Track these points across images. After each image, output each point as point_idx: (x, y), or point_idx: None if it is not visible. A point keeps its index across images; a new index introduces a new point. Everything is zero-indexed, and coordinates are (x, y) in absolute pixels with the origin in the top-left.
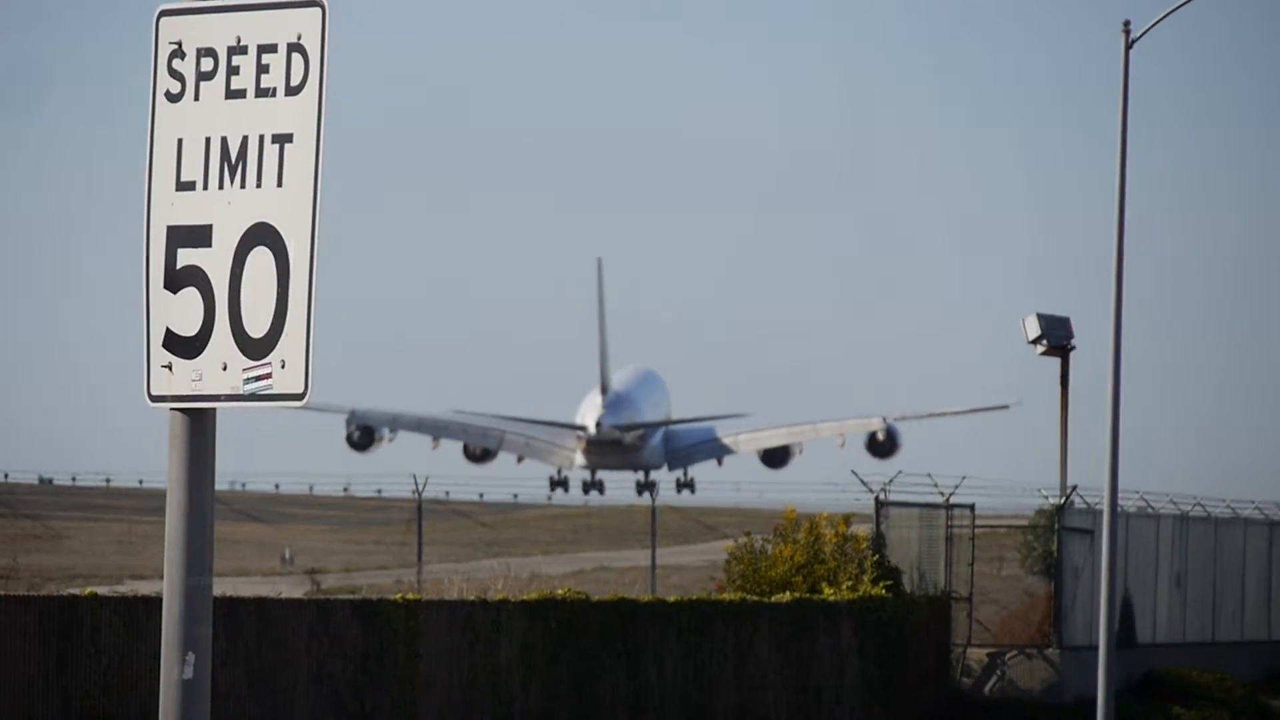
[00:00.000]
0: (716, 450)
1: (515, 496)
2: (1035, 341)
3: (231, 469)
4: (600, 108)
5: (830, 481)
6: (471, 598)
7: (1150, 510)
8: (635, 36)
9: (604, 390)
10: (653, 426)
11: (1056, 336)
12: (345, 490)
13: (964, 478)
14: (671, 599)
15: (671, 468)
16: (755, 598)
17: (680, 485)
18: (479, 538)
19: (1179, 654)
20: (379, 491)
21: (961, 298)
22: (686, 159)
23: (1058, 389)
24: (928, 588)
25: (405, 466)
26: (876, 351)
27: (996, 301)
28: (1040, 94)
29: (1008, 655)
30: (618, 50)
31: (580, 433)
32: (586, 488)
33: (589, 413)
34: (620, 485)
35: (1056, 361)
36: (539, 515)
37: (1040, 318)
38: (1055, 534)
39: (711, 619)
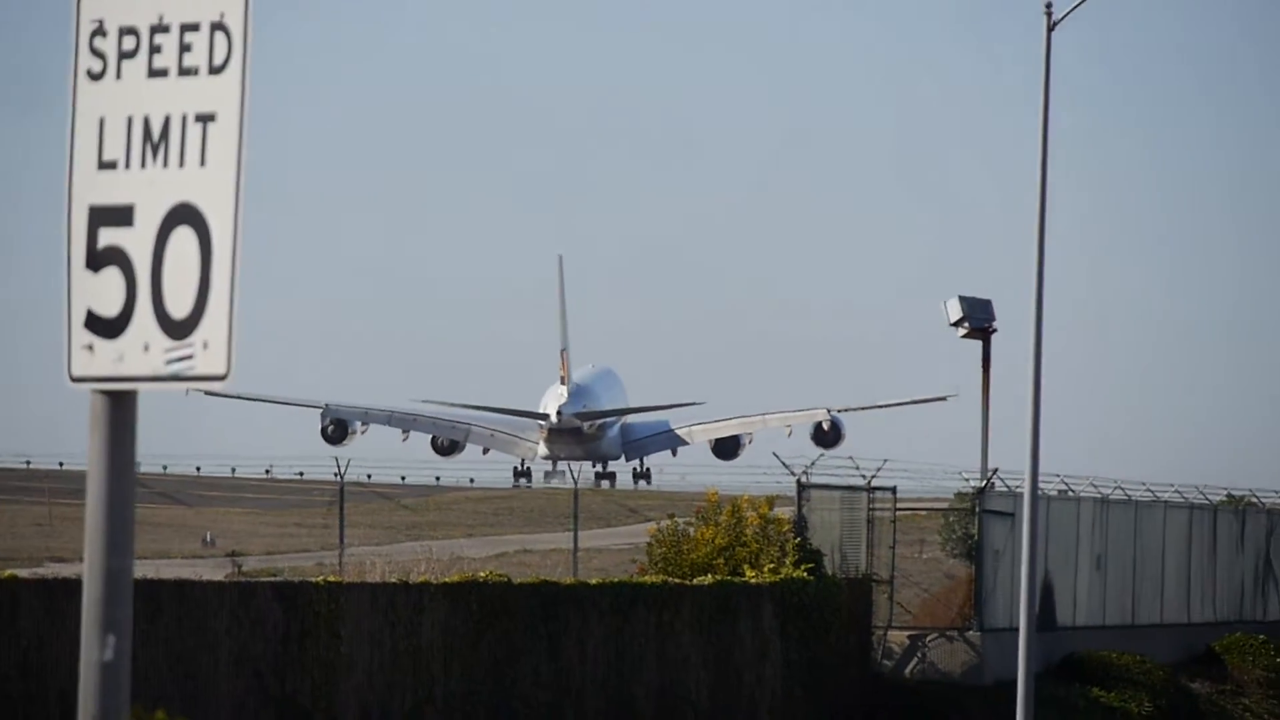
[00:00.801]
0: (671, 441)
1: (437, 479)
2: (957, 324)
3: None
4: (556, 101)
5: (753, 465)
6: (393, 580)
7: (1071, 493)
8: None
9: (565, 381)
10: (611, 415)
11: (978, 319)
12: (267, 473)
13: (885, 461)
14: (593, 581)
15: (629, 458)
16: (677, 580)
17: (637, 475)
18: (401, 520)
19: (1099, 636)
20: (300, 474)
21: (904, 282)
22: (641, 152)
23: (979, 372)
24: (849, 570)
25: (377, 458)
26: (821, 340)
27: (932, 286)
28: (967, 77)
29: (929, 637)
30: (574, 42)
31: (543, 422)
32: (549, 478)
33: (551, 402)
34: (580, 476)
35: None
36: (460, 498)
37: (962, 300)
38: (976, 517)
39: (633, 601)
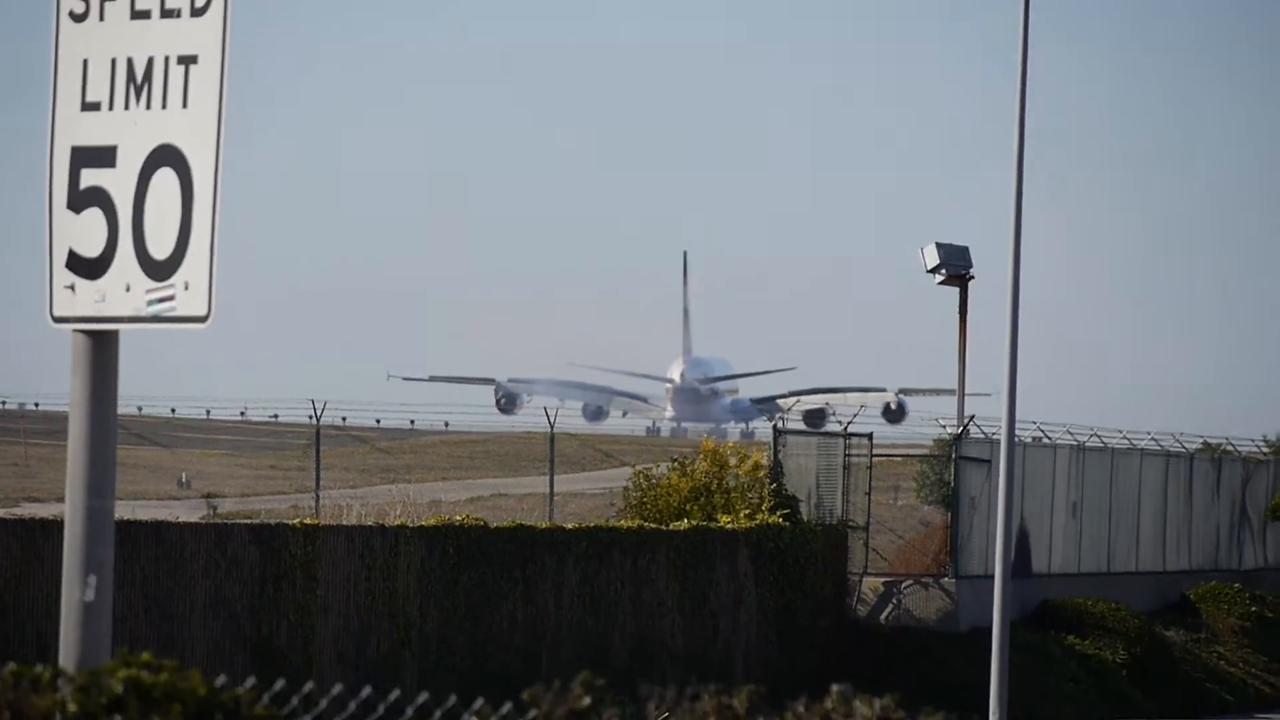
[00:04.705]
0: (771, 409)
1: (412, 423)
2: (934, 271)
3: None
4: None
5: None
6: (369, 523)
7: (1047, 440)
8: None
9: (687, 353)
10: (720, 380)
11: (955, 266)
12: (242, 415)
13: (862, 406)
14: (569, 526)
15: (737, 422)
16: (653, 525)
17: (743, 435)
18: (376, 463)
19: (1074, 584)
20: (275, 417)
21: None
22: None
23: (956, 318)
24: (824, 516)
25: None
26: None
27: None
28: (948, 28)
29: (904, 584)
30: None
31: (668, 384)
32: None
33: (675, 369)
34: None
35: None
36: (436, 441)
37: (939, 247)
38: (952, 463)
39: (609, 546)
